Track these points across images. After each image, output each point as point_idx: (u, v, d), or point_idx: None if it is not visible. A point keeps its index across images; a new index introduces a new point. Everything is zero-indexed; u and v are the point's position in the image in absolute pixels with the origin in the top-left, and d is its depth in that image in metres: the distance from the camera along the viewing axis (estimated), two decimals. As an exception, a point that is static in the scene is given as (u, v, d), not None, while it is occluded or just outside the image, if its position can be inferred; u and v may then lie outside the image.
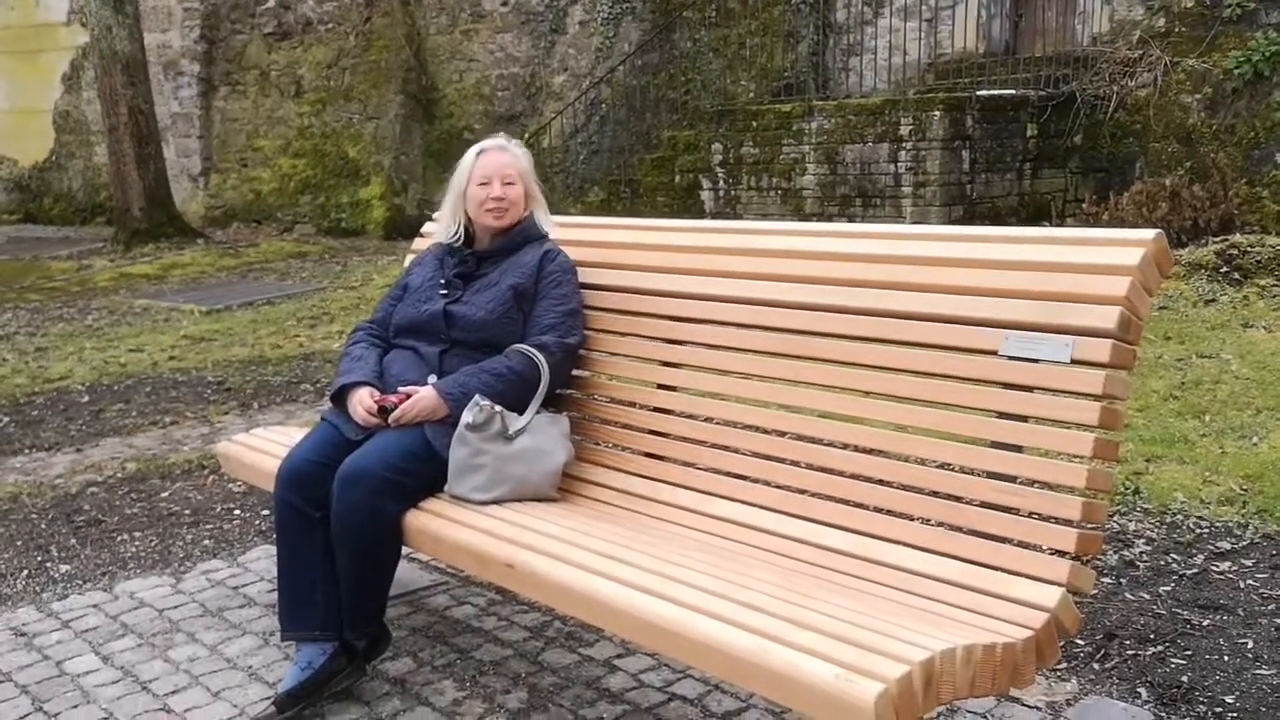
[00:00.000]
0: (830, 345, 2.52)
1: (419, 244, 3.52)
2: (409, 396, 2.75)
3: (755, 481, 2.62)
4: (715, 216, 9.80)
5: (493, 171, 2.98)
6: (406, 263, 3.46)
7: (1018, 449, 2.20)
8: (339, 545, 2.65)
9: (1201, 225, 7.70)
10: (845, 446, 2.46)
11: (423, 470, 2.71)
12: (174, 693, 2.81)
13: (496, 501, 2.68)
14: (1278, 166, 8.11)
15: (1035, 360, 2.18)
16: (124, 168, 12.73)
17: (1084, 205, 8.18)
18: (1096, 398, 2.09)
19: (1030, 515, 2.15)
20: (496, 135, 3.16)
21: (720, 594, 2.10)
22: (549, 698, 2.72)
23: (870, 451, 2.41)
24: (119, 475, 4.76)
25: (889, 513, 2.35)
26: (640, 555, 2.32)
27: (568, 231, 3.15)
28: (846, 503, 2.43)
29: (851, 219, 8.81)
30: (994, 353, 2.23)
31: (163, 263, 11.65)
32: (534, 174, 3.09)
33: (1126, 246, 2.13)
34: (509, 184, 2.98)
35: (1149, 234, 2.14)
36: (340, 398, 2.85)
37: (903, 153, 8.50)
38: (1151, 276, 2.14)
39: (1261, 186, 8.08)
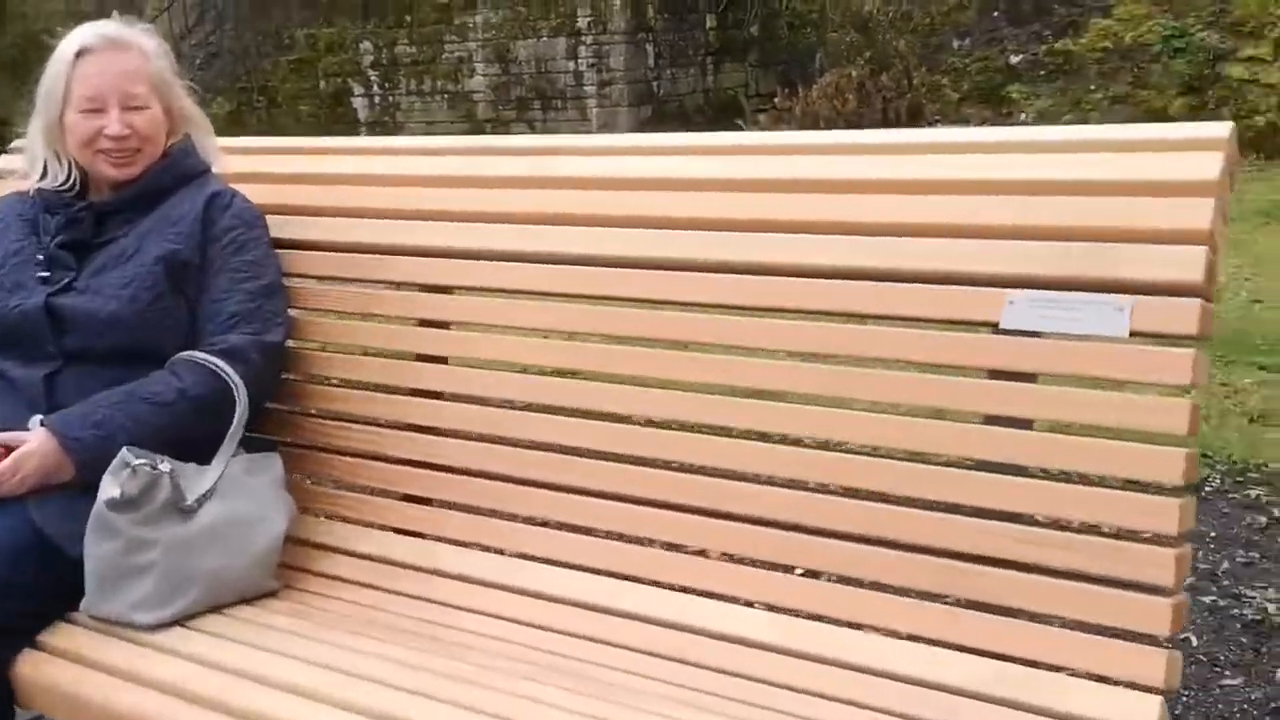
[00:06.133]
0: (700, 322, 1.65)
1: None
2: (7, 451, 1.63)
3: (594, 535, 1.71)
4: (371, 126, 8.56)
5: (105, 88, 1.81)
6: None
7: (1018, 471, 1.43)
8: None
9: (891, 116, 7.42)
10: (756, 479, 1.59)
11: (37, 582, 1.61)
12: None
13: (178, 621, 1.63)
14: (955, 53, 7.95)
15: (1060, 336, 1.41)
16: None
17: (776, 100, 7.68)
18: (1179, 393, 1.35)
19: (1073, 578, 1.39)
20: (107, 20, 1.98)
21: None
22: None
23: (799, 486, 1.57)
24: None
25: (850, 583, 1.53)
26: (446, 709, 1.38)
27: (242, 161, 2.06)
28: (769, 566, 1.58)
29: (531, 124, 7.89)
30: (991, 325, 1.43)
31: None
32: (178, 78, 1.97)
33: (1197, 151, 1.38)
34: (134, 109, 1.83)
35: (1222, 130, 1.39)
36: None
37: (582, 48, 7.63)
38: (1227, 195, 1.40)
39: (941, 74, 7.90)
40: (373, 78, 8.54)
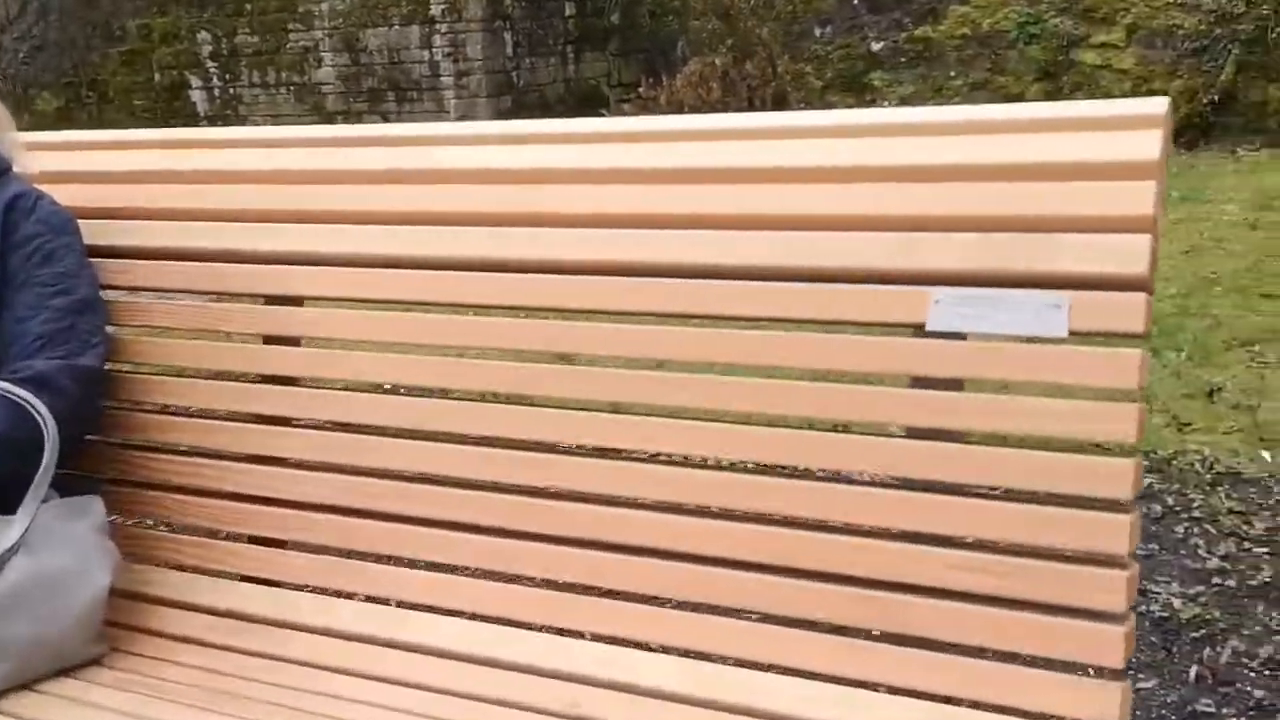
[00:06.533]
0: (587, 332, 1.46)
1: None
2: None
3: (474, 576, 1.52)
4: (211, 120, 8.10)
5: None
6: None
7: (947, 489, 1.29)
8: None
9: (757, 104, 7.35)
10: (651, 507, 1.42)
11: None
12: None
13: (-20, 704, 1.37)
14: (818, 41, 7.93)
15: (991, 337, 1.27)
16: None
17: (640, 89, 7.53)
18: (1125, 397, 1.22)
19: (1011, 605, 1.26)
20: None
21: None
22: None
23: (700, 513, 1.39)
24: None
25: (763, 619, 1.36)
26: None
27: (54, 159, 1.80)
28: (672, 604, 1.41)
29: (385, 116, 7.57)
30: (914, 328, 1.29)
31: None
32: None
33: (1133, 129, 1.25)
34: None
35: (1159, 106, 1.27)
36: None
37: (437, 37, 7.34)
38: (1165, 175, 1.28)
39: (804, 62, 7.86)
40: (212, 69, 8.07)
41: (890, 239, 1.29)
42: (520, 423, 1.49)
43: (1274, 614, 2.23)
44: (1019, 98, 7.09)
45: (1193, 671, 2.07)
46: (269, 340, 1.66)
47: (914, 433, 1.31)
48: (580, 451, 1.47)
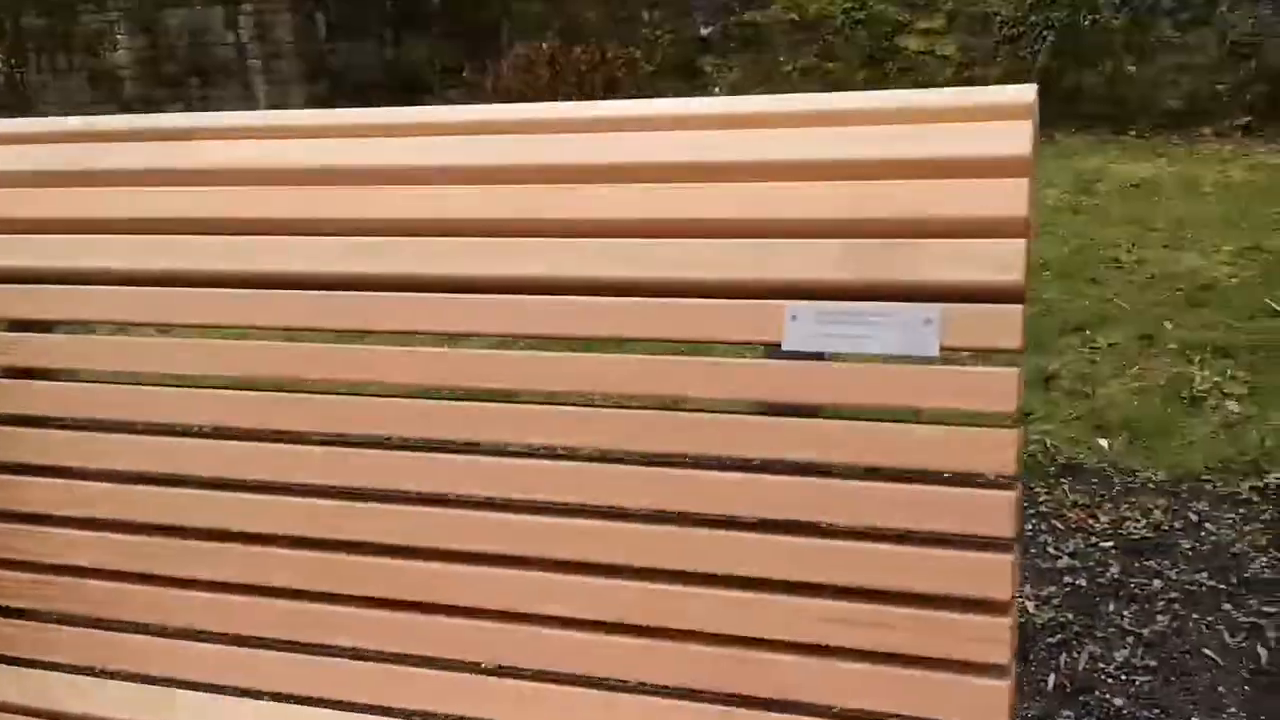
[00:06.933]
0: (395, 358, 1.26)
1: None
2: None
3: (265, 646, 1.30)
4: (-3, 110, 7.46)
5: None
6: None
7: (801, 529, 1.14)
8: None
9: (587, 90, 7.17)
10: (469, 558, 1.22)
11: None
12: None
13: None
14: (646, 25, 7.78)
15: (851, 357, 1.12)
16: None
17: (465, 74, 7.25)
18: (1003, 422, 1.09)
19: (883, 660, 1.11)
20: None
21: None
22: None
23: (524, 564, 1.21)
24: None
25: (601, 686, 1.19)
26: None
27: None
28: (488, 673, 1.22)
29: (189, 104, 7.08)
30: (766, 346, 1.13)
31: None
32: None
33: (998, 119, 1.12)
34: None
35: (1026, 94, 1.14)
36: None
37: (242, 17, 6.90)
38: (1036, 171, 1.16)
39: (634, 47, 7.71)
40: (-5, 53, 7.43)
41: (739, 246, 1.12)
42: (329, 467, 1.27)
43: (1125, 613, 2.18)
44: (847, 83, 7.12)
45: (1051, 680, 2.00)
46: (11, 374, 1.39)
47: (763, 468, 1.15)
48: (401, 498, 1.26)
